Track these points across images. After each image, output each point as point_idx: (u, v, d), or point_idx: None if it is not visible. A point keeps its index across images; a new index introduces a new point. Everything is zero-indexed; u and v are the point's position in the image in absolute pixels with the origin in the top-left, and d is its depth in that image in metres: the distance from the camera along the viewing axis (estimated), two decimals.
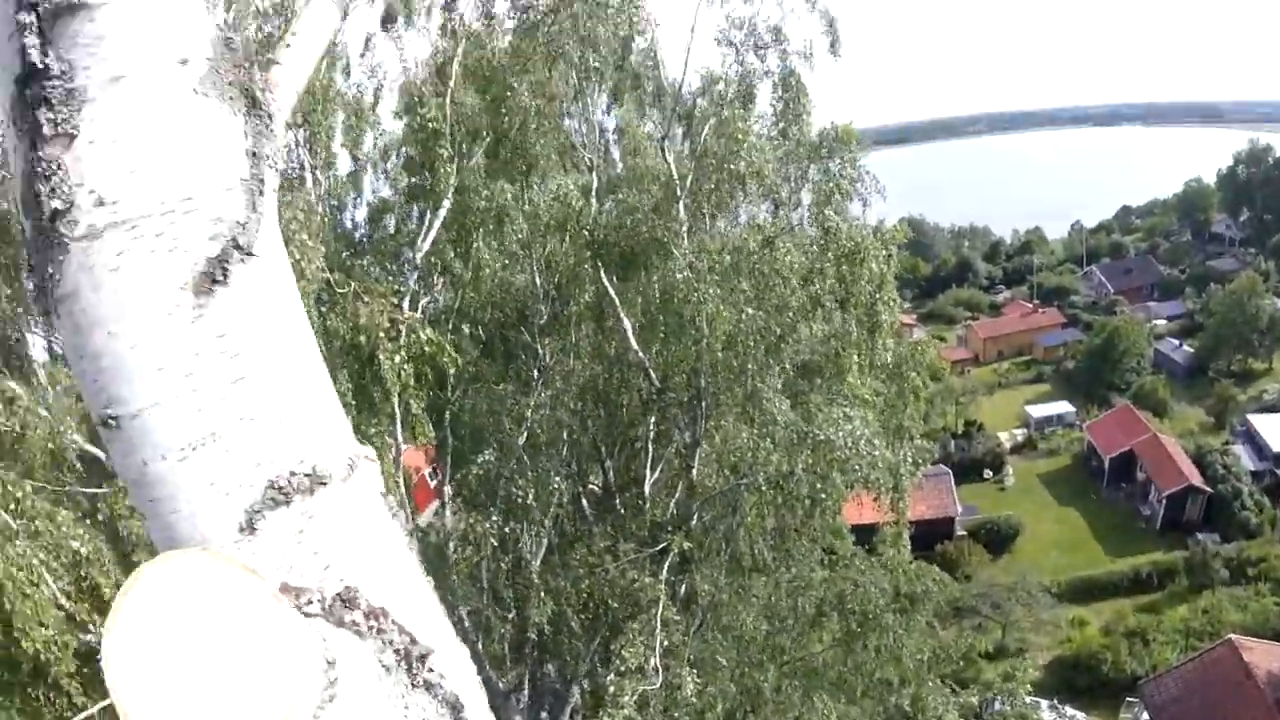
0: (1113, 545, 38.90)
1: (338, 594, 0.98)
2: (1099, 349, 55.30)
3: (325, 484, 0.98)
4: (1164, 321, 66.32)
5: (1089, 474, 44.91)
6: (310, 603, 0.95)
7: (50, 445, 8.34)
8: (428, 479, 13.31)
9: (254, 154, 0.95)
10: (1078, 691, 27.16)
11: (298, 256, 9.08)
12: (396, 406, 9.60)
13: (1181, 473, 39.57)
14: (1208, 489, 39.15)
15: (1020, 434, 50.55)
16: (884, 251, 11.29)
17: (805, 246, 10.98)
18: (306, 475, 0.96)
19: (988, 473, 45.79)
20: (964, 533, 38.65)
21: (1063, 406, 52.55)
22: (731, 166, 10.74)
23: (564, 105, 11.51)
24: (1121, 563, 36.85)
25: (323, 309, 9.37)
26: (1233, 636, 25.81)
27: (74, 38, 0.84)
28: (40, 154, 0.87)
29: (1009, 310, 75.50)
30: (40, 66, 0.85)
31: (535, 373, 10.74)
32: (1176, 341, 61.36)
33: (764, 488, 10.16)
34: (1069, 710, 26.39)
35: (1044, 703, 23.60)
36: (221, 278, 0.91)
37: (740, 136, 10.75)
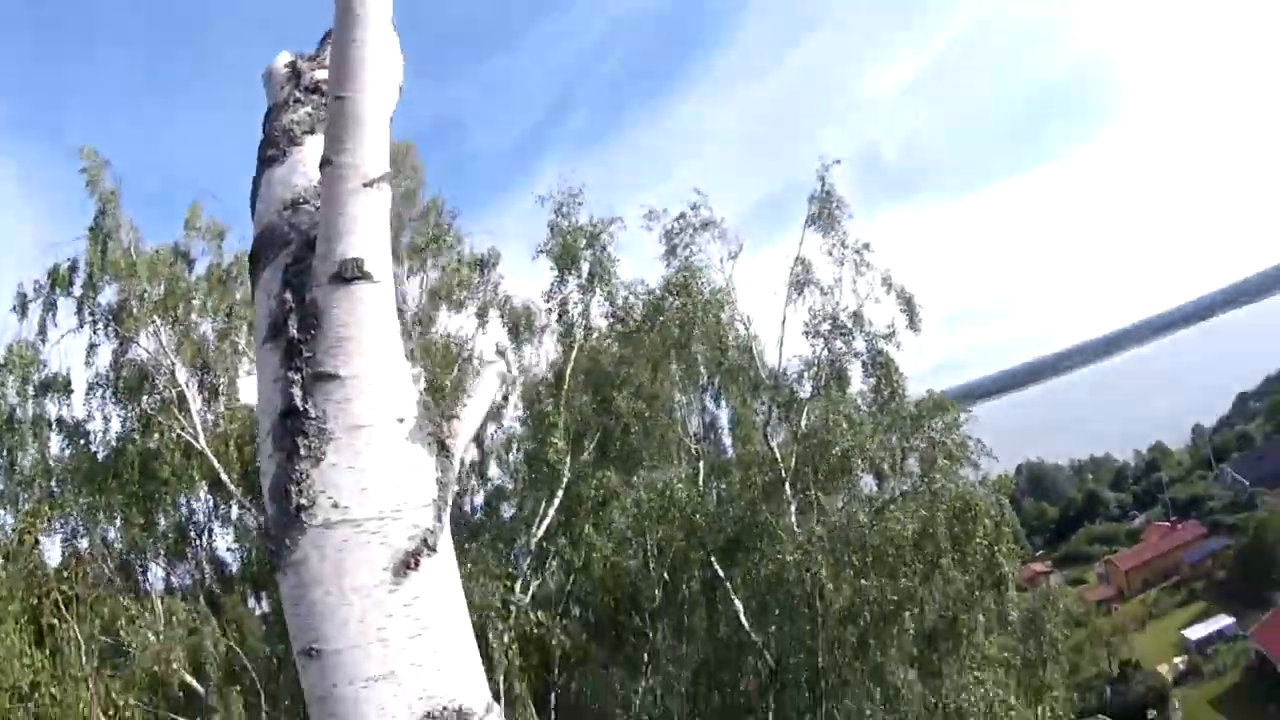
0: None
1: None
2: (1249, 549, 49.56)
3: (469, 719, 1.28)
4: None
5: (1265, 685, 37.99)
6: None
7: (155, 668, 8.77)
8: None
9: (441, 483, 1.41)
10: None
11: None
12: (501, 685, 9.62)
13: None
14: None
15: (1181, 663, 43.70)
16: (995, 502, 11.09)
17: (914, 512, 10.91)
18: (455, 711, 1.27)
19: (1151, 714, 38.99)
20: None
21: (1222, 621, 45.91)
22: (834, 447, 11.11)
23: (672, 401, 12.41)
24: None
25: None
26: None
27: (327, 395, 1.35)
28: (294, 466, 1.29)
29: (1147, 535, 67.86)
30: (300, 409, 1.31)
31: (645, 656, 10.58)
32: None
33: None
34: None
35: None
36: (414, 565, 1.32)
37: (837, 416, 11.28)
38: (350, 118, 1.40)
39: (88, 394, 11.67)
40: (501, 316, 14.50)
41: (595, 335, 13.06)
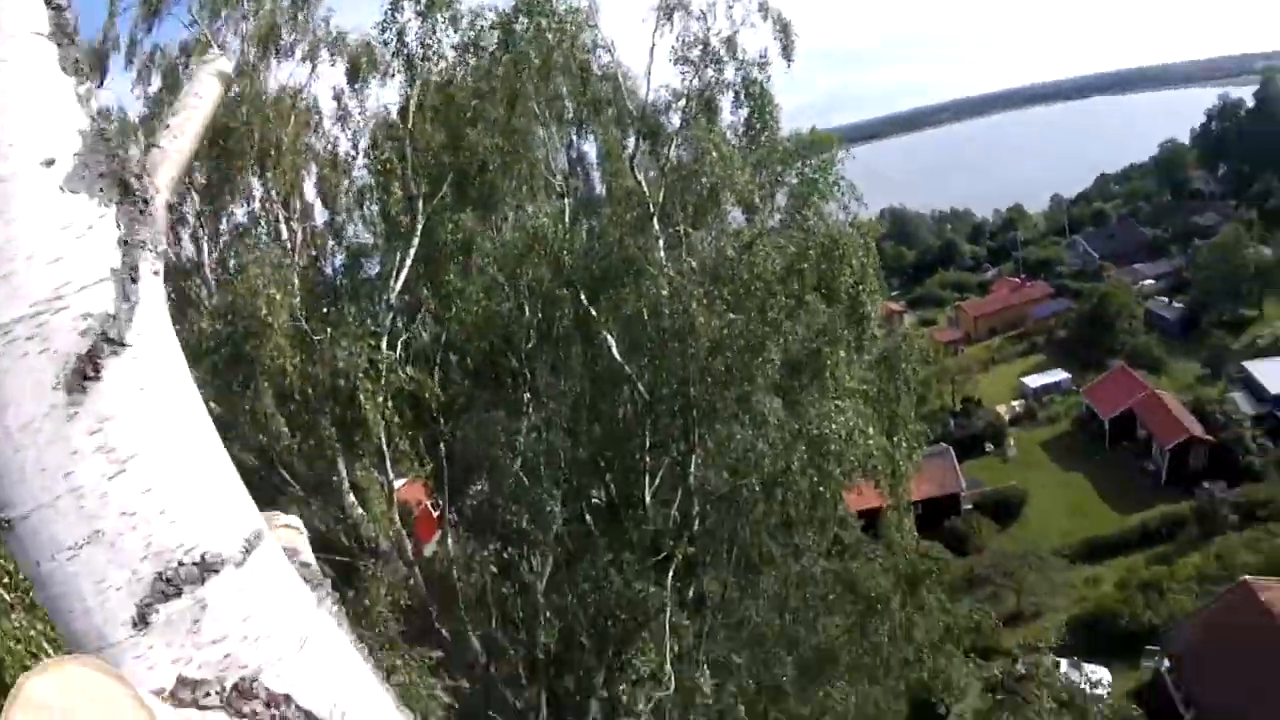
0: (1120, 503, 39.00)
1: (235, 684, 0.97)
2: (1090, 315, 55.76)
3: (217, 570, 0.96)
4: (1152, 282, 66.83)
5: (1090, 437, 45.13)
6: (209, 695, 0.95)
7: None
8: (431, 509, 13.49)
9: (126, 242, 0.96)
10: (1097, 648, 27.07)
11: (265, 311, 9.25)
12: (384, 444, 9.73)
13: (1182, 426, 39.82)
14: (1210, 439, 39.41)
15: (1019, 406, 50.89)
16: (863, 244, 11.43)
17: (783, 248, 11.11)
18: (195, 564, 0.94)
19: (989, 446, 46.04)
20: (970, 506, 38.87)
21: (1058, 375, 52.86)
22: (703, 179, 10.90)
23: (532, 135, 11.63)
24: (1129, 519, 36.95)
25: (301, 358, 9.51)
26: (1247, 578, 25.86)
27: None
28: None
29: (997, 288, 76.08)
30: None
31: (525, 396, 10.87)
32: (1166, 299, 61.78)
33: (759, 487, 10.30)
34: (1090, 667, 26.42)
35: (1065, 662, 23.70)
36: (93, 373, 0.91)
37: (708, 149, 10.91)
38: None
39: None
40: (334, 57, 13.16)
41: (443, 68, 11.72)
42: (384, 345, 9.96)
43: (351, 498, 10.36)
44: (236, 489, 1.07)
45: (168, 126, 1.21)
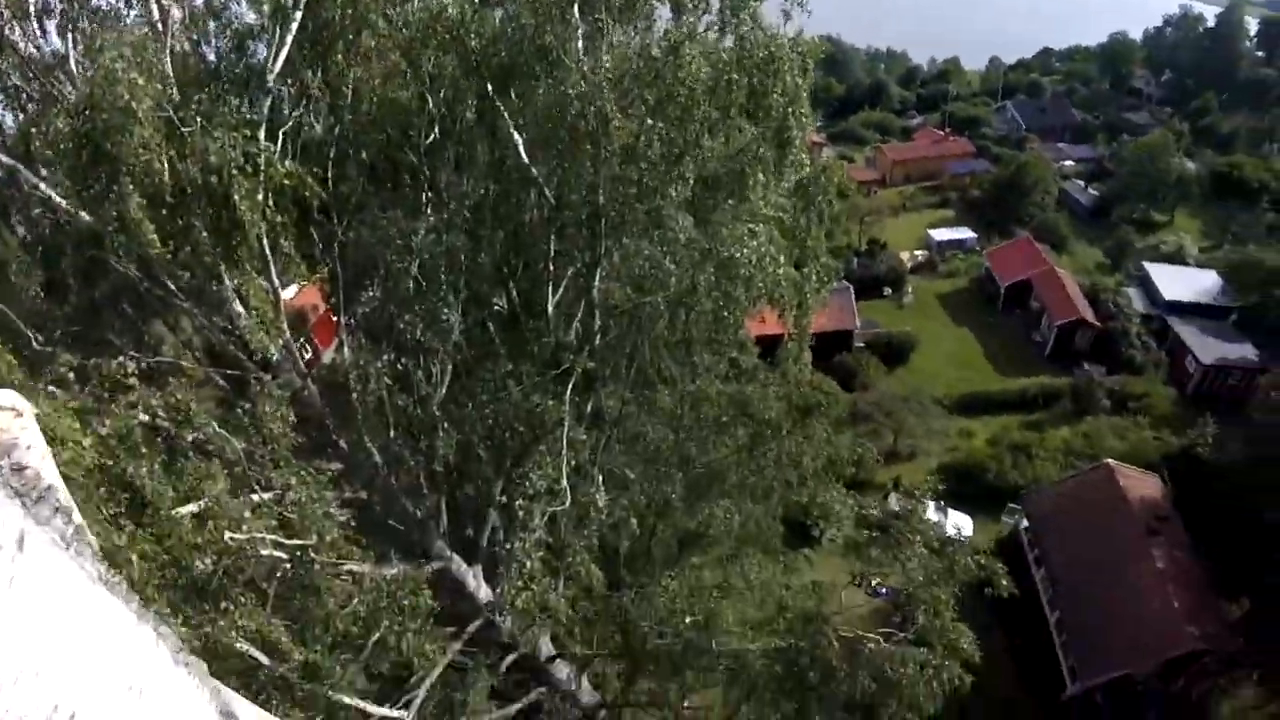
0: (1003, 366, 41.65)
1: None
2: (1006, 181, 56.88)
3: None
4: (1072, 163, 68.37)
5: (985, 299, 47.29)
6: None
7: None
8: (330, 315, 12.72)
9: None
10: (963, 497, 29.19)
11: (126, 98, 8.10)
12: (266, 248, 8.97)
13: (1074, 305, 42.14)
14: (1098, 325, 41.82)
15: (921, 255, 52.48)
16: (800, 65, 10.82)
17: (714, 56, 10.39)
18: None
19: (888, 290, 47.72)
20: (863, 345, 40.65)
21: (965, 233, 54.47)
22: None
23: None
24: (1010, 383, 39.47)
25: (169, 152, 8.49)
26: (1110, 461, 28.14)
27: None
28: None
29: (920, 136, 76.43)
30: None
31: (425, 196, 10.13)
32: (1082, 184, 63.65)
33: (663, 305, 10.20)
34: (954, 513, 28.90)
35: (931, 504, 25.99)
36: None
37: None
38: None
39: None
40: None
41: None
42: (262, 136, 8.92)
43: (238, 306, 9.61)
44: None
45: None
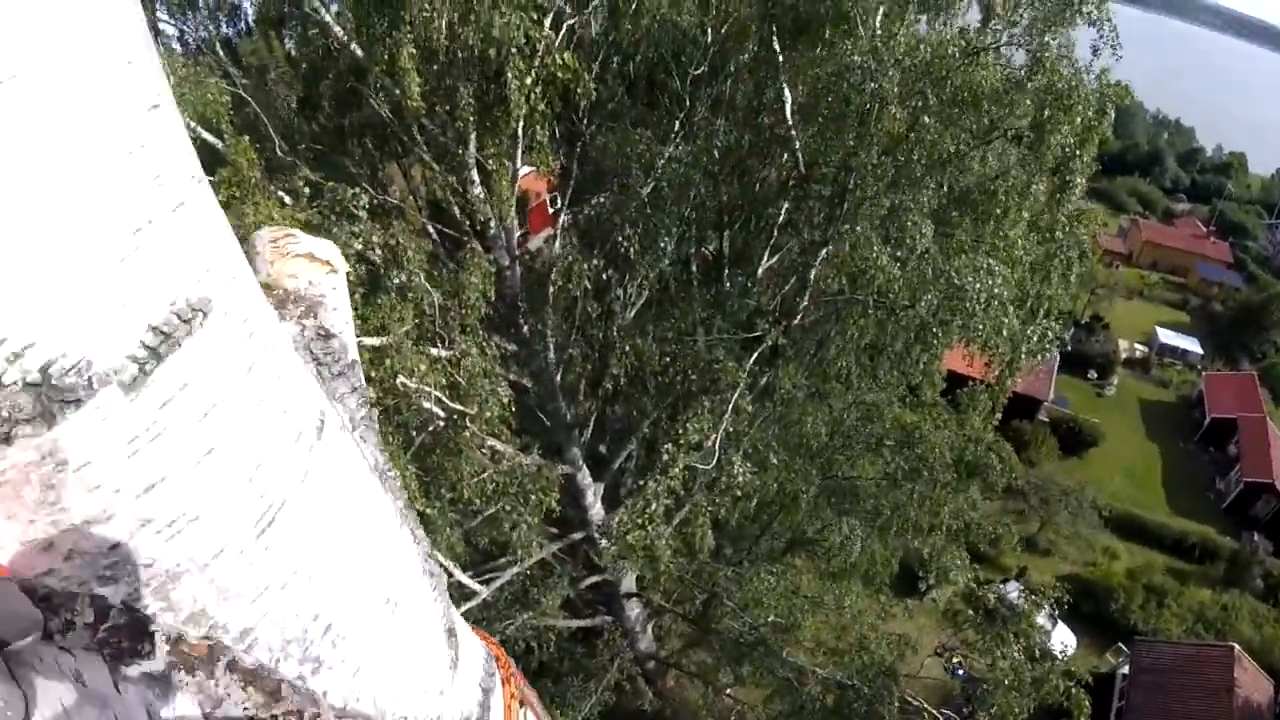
0: (1176, 500, 37.59)
1: (117, 618, 0.60)
2: (1253, 306, 50.90)
3: (79, 400, 0.54)
4: None
5: (1186, 421, 42.53)
6: (70, 627, 0.60)
7: None
8: (548, 205, 13.23)
9: None
10: (1079, 614, 27.03)
11: None
12: (521, 130, 9.27)
13: (1270, 468, 37.14)
14: None
15: (1140, 350, 47.71)
16: (1102, 107, 9.88)
17: (1009, 71, 9.72)
18: (32, 385, 0.53)
19: (1093, 374, 43.88)
20: (1046, 419, 37.82)
21: (1192, 343, 48.90)
22: None
23: None
24: (1176, 521, 35.71)
25: (453, 15, 8.83)
26: (1236, 647, 25.24)
27: None
28: None
29: (1181, 224, 68.98)
30: None
31: (677, 124, 10.13)
32: None
33: (873, 309, 9.76)
34: (1063, 626, 26.76)
35: (1045, 607, 24.10)
36: None
37: None
38: None
39: None
40: None
41: None
42: (546, 24, 9.16)
43: (475, 174, 10.11)
44: (165, 209, 0.58)
45: None
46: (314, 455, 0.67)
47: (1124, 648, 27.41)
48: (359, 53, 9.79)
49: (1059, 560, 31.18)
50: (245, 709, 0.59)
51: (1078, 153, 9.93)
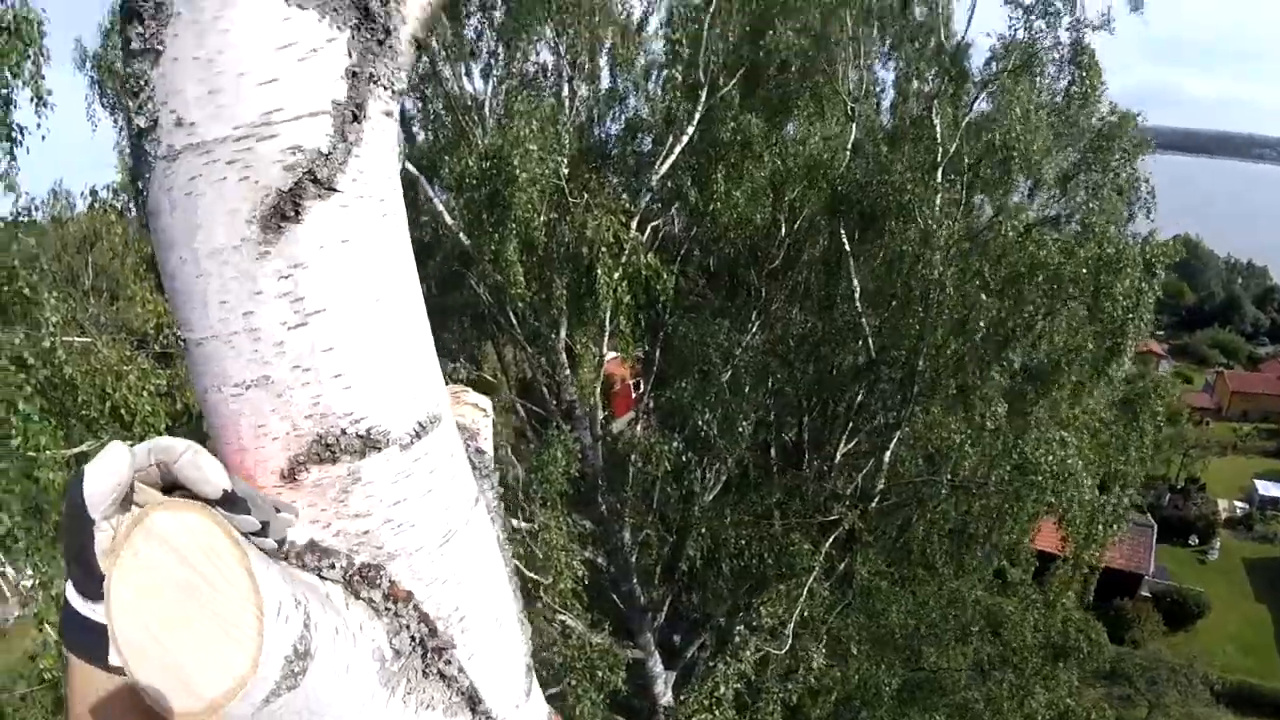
0: None
1: (361, 566, 0.92)
2: None
3: (379, 448, 0.88)
4: None
5: None
6: (334, 567, 0.91)
7: None
8: (631, 389, 13.93)
9: (355, 74, 0.82)
10: None
11: (515, 164, 9.37)
12: (606, 319, 9.94)
13: None
14: None
15: (1240, 507, 44.55)
16: (1151, 268, 10.09)
17: (1062, 242, 10.02)
18: (359, 436, 0.86)
19: (1194, 539, 40.86)
20: (1148, 595, 35.05)
21: None
22: (997, 140, 10.01)
23: (836, 48, 11.00)
24: None
25: (552, 216, 9.77)
26: None
27: None
28: (130, 69, 0.81)
29: (1267, 368, 65.98)
30: None
31: (755, 314, 10.65)
32: None
33: (950, 490, 9.66)
34: None
35: None
36: (293, 214, 0.80)
37: (1018, 110, 9.93)
38: None
39: None
40: None
41: None
42: (633, 226, 10.02)
43: (564, 357, 10.74)
44: (426, 366, 0.98)
45: None
46: (473, 512, 1.05)
47: None
48: (466, 241, 10.83)
49: None
50: (414, 634, 0.94)
51: (1130, 316, 9.97)
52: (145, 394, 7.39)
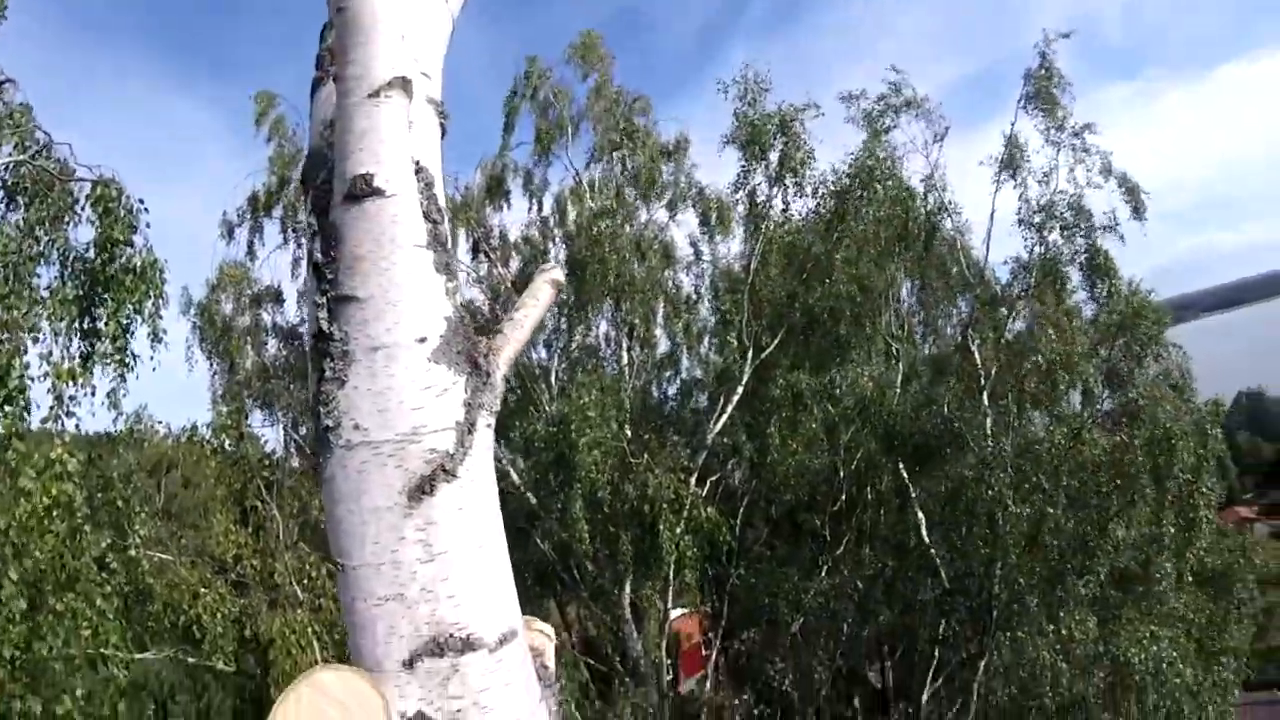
0: None
1: None
2: None
3: (475, 649, 1.28)
4: None
5: None
6: None
7: None
8: (700, 648, 13.36)
9: (469, 404, 1.36)
10: None
11: (573, 425, 9.83)
12: (671, 573, 10.01)
13: None
14: None
15: None
16: (1201, 431, 9.91)
17: (1113, 436, 9.98)
18: (461, 639, 1.28)
19: None
20: None
21: None
22: (1038, 357, 10.31)
23: (876, 295, 11.70)
24: None
25: (615, 475, 10.27)
26: None
27: (348, 317, 1.31)
28: (322, 388, 1.33)
29: None
30: (326, 331, 1.33)
31: (820, 558, 10.58)
32: None
33: (1052, 713, 8.78)
34: None
35: None
36: (429, 490, 1.29)
37: (1049, 323, 10.35)
38: (352, 26, 1.35)
39: (299, 301, 13.32)
40: (692, 206, 14.58)
41: (788, 226, 12.42)
42: (693, 481, 10.39)
43: (628, 613, 10.69)
44: (510, 593, 1.41)
45: (511, 319, 1.63)
46: (537, 708, 1.34)
47: None
48: (532, 500, 11.28)
49: None
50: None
51: (1194, 485, 9.65)
52: (219, 616, 7.75)
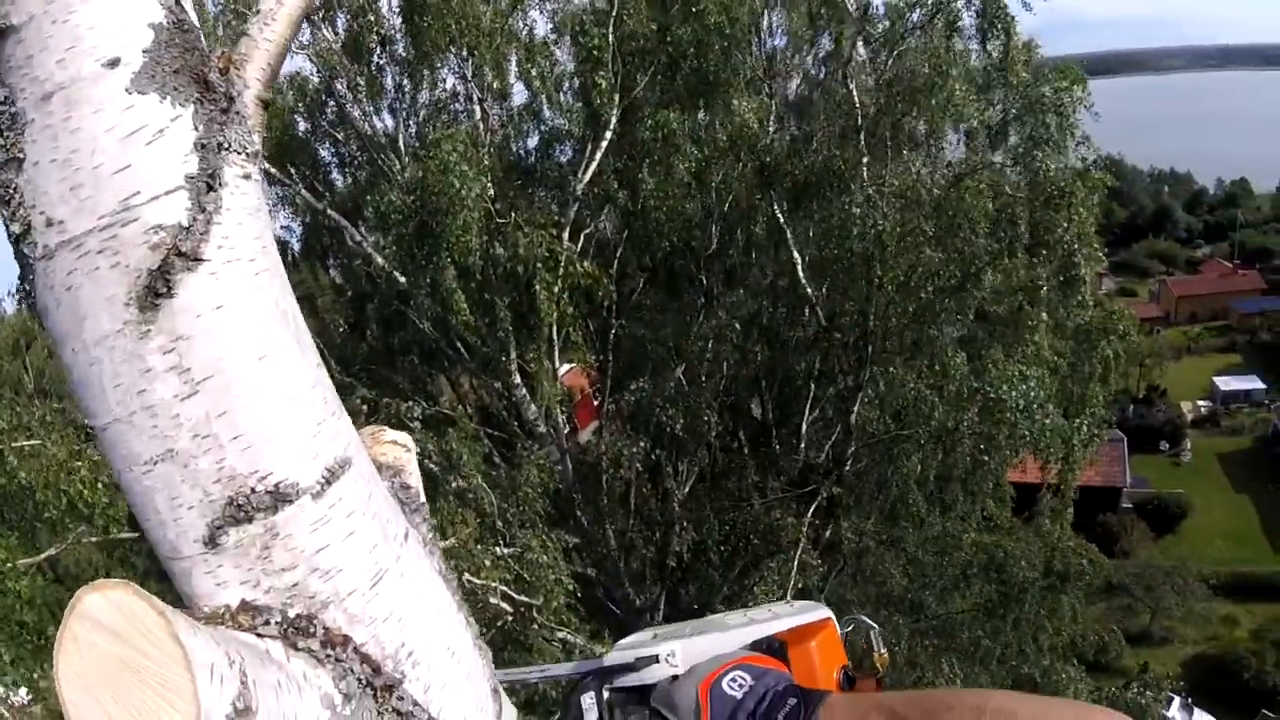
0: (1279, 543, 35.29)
1: (294, 618, 0.95)
2: None
3: (291, 500, 0.93)
4: None
5: (1271, 460, 39.95)
6: (268, 623, 0.94)
7: None
8: (591, 399, 13.94)
9: (203, 145, 0.88)
10: (1214, 694, 24.57)
11: (457, 187, 9.43)
12: (554, 333, 9.97)
13: None
14: None
15: (1204, 406, 45.38)
16: (1089, 198, 10.31)
17: (999, 187, 10.21)
18: (269, 492, 0.91)
19: (1164, 445, 41.53)
20: (1130, 505, 35.69)
21: (1253, 382, 46.47)
22: (921, 98, 10.11)
23: (749, 25, 11.03)
24: None
25: (484, 238, 9.77)
26: None
27: (8, 61, 0.82)
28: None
29: (1206, 269, 67.39)
30: None
31: (699, 302, 10.75)
32: None
33: (924, 441, 9.87)
34: (1200, 713, 24.40)
35: (1176, 699, 21.98)
36: (165, 290, 0.85)
37: (932, 65, 10.06)
38: None
39: None
40: None
41: None
42: (565, 236, 10.04)
43: (518, 378, 10.73)
44: (327, 414, 1.00)
45: (258, 11, 1.10)
46: (403, 549, 1.06)
47: (1269, 714, 24.91)
48: (402, 279, 10.73)
49: (1180, 645, 29.09)
50: (359, 676, 0.96)
51: (1078, 247, 10.25)
52: (100, 486, 7.24)
